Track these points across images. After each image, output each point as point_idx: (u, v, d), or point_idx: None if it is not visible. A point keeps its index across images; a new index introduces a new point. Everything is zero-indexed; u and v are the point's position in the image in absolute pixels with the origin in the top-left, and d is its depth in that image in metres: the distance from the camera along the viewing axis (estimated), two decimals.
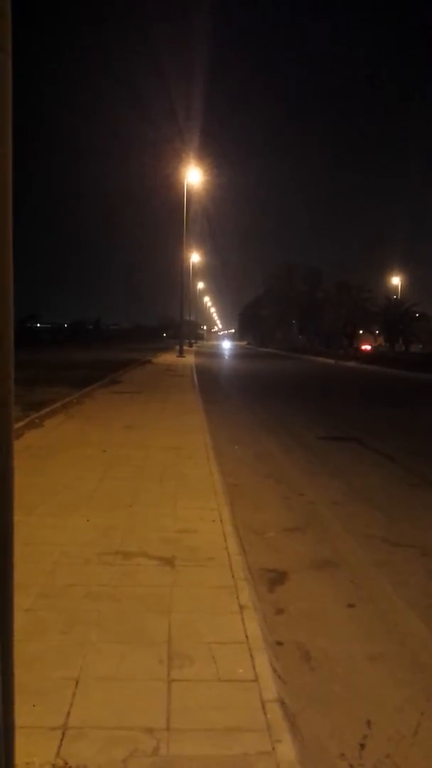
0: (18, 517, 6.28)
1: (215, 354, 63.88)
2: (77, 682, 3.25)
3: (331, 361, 50.25)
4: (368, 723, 3.22)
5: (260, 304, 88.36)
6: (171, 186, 45.16)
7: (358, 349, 63.40)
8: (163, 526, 5.93)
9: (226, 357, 58.19)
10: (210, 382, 24.69)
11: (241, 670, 3.41)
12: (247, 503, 7.29)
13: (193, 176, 44.65)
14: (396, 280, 74.02)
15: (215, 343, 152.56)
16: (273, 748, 2.78)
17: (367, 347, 68.34)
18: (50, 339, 60.06)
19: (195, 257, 76.99)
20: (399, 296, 71.40)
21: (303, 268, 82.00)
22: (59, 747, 2.74)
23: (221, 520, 6.14)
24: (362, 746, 3.03)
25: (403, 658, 3.91)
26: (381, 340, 76.49)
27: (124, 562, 4.97)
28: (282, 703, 3.16)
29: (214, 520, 6.13)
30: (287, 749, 2.79)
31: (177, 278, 53.07)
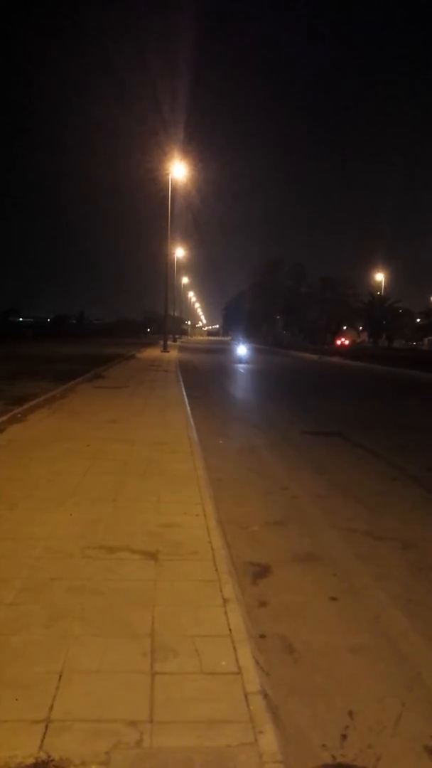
0: (0, 511, 6.25)
1: (200, 349, 63.84)
2: (60, 676, 3.25)
3: (314, 356, 50.44)
4: (350, 714, 3.25)
5: (245, 300, 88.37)
6: (156, 179, 44.97)
7: (334, 344, 63.65)
8: (146, 520, 5.93)
9: (210, 352, 58.18)
10: (194, 377, 24.68)
11: (224, 663, 3.43)
12: (231, 497, 7.31)
13: (178, 170, 44.50)
14: (380, 277, 74.42)
15: (201, 338, 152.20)
16: (255, 739, 2.80)
17: (345, 341, 68.65)
18: (33, 333, 59.63)
19: (180, 252, 76.86)
20: (382, 292, 71.81)
21: (288, 264, 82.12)
22: (42, 740, 2.73)
23: (205, 514, 6.15)
24: (344, 737, 3.06)
25: (385, 650, 3.96)
26: (365, 336, 76.95)
27: (107, 556, 4.96)
28: (265, 694, 3.19)
29: (197, 514, 6.14)
30: (269, 740, 2.81)
31: (161, 273, 52.94)
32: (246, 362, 37.53)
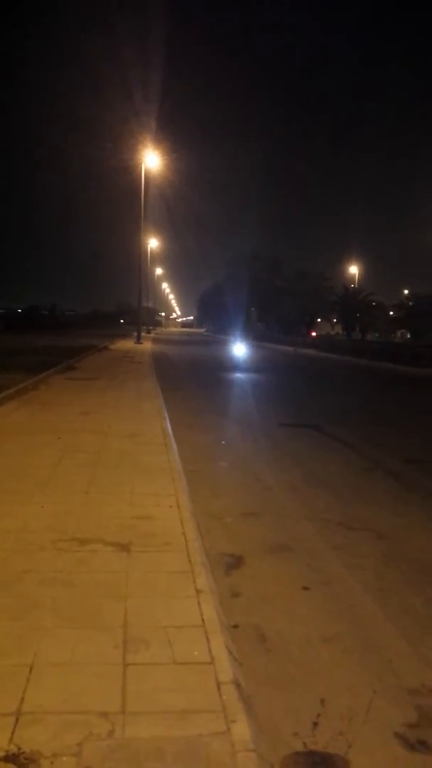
0: None
1: (174, 341, 63.64)
2: (31, 668, 3.21)
3: (290, 348, 50.61)
4: (322, 702, 3.27)
5: (220, 291, 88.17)
6: (129, 169, 44.55)
7: (309, 336, 63.96)
8: (119, 512, 5.89)
9: (185, 344, 58.03)
10: (168, 369, 24.60)
11: (196, 653, 3.42)
12: (205, 489, 7.30)
13: (151, 160, 44.13)
14: (354, 270, 74.91)
15: (175, 330, 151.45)
16: (228, 729, 2.80)
17: (313, 334, 69.06)
18: (3, 324, 58.83)
19: (153, 243, 76.40)
20: (356, 285, 72.32)
21: (264, 257, 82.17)
22: (12, 733, 2.70)
23: (178, 506, 6.13)
24: (316, 725, 3.08)
25: (357, 639, 3.99)
26: (339, 329, 77.44)
27: (79, 549, 4.92)
28: (237, 684, 3.19)
29: (171, 506, 6.12)
30: (242, 729, 2.81)
31: (135, 264, 52.59)
32: (220, 354, 37.41)
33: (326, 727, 3.07)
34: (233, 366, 28.60)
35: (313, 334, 67.77)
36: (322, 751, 2.89)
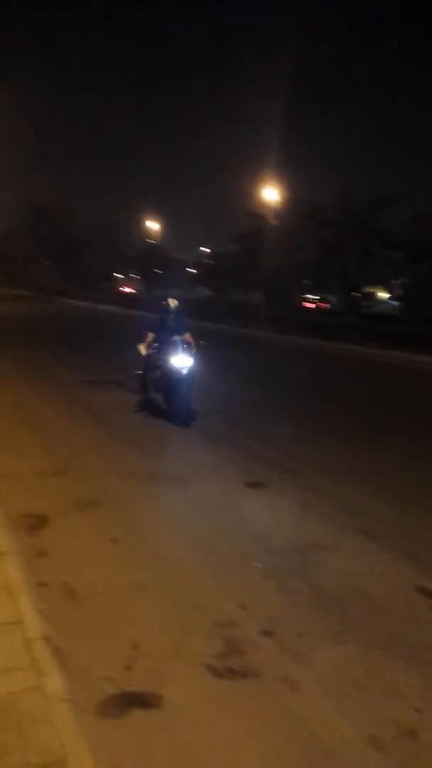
0: None
1: None
2: None
3: (85, 303, 49.55)
4: (134, 646, 3.37)
5: (7, 243, 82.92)
6: None
7: (114, 291, 63.33)
8: None
9: None
10: None
11: (2, 614, 3.33)
12: (4, 451, 6.99)
13: None
14: (154, 225, 74.87)
15: None
16: (39, 683, 2.79)
17: (125, 290, 68.61)
18: None
19: None
20: (157, 241, 72.50)
21: (56, 208, 78.68)
22: None
23: None
24: (129, 667, 3.18)
25: (166, 584, 4.14)
26: (140, 285, 77.31)
27: None
28: (48, 640, 3.17)
29: None
30: (54, 682, 2.82)
31: None
32: (5, 310, 34.97)
33: (139, 668, 3.18)
34: (24, 321, 27.33)
35: (126, 289, 67.07)
36: (136, 691, 2.99)
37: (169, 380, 8.74)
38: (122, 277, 76.60)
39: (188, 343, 8.92)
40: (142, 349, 9.35)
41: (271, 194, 39.23)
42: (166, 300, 9.36)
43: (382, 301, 43.58)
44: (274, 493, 6.18)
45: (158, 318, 9.38)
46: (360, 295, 35.49)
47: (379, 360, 20.44)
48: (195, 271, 66.10)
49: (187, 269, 69.64)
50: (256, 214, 41.27)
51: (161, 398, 9.21)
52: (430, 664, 3.37)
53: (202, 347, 9.43)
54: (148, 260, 67.27)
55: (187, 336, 9.06)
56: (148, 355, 9.28)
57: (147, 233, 71.40)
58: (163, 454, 7.29)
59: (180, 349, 8.73)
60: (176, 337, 8.89)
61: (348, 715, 2.92)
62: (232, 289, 49.98)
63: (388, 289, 41.70)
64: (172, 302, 9.26)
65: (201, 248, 69.62)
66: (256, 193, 40.72)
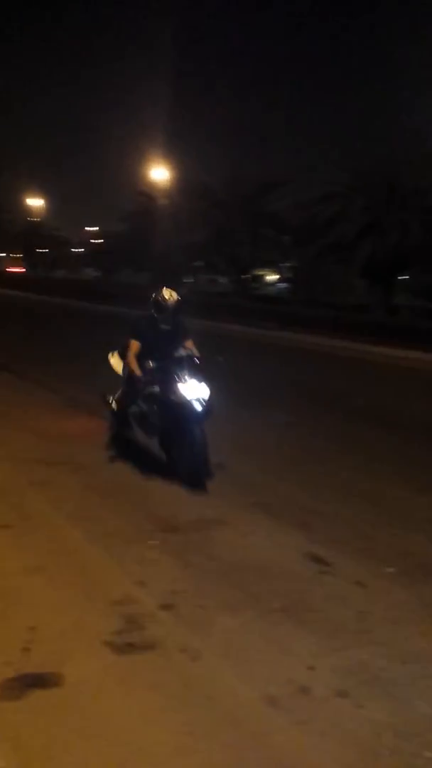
0: None
1: None
2: None
3: None
4: (32, 629, 3.36)
5: None
6: None
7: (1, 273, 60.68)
8: None
9: None
10: None
11: None
12: None
13: None
14: (37, 202, 71.95)
15: None
16: None
17: (14, 269, 65.73)
18: None
19: None
20: (40, 219, 69.85)
21: None
22: None
23: None
24: (27, 650, 3.17)
25: (63, 566, 4.14)
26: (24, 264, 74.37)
27: None
28: None
29: None
30: None
31: None
32: None
33: (38, 650, 3.18)
34: None
35: (15, 269, 64.18)
36: (35, 672, 3.00)
37: (175, 418, 5.80)
38: (4, 255, 73.31)
39: (199, 360, 6.04)
40: (118, 364, 6.62)
41: (160, 173, 38.99)
42: (158, 293, 6.11)
43: (269, 284, 44.73)
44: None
45: (146, 319, 6.23)
46: (249, 276, 36.16)
47: (268, 340, 20.94)
48: (82, 250, 64.42)
49: (72, 249, 67.79)
50: (144, 193, 40.87)
51: (154, 440, 6.31)
52: (321, 624, 3.60)
53: (219, 365, 6.48)
54: (31, 239, 64.54)
55: (189, 344, 6.35)
56: (132, 377, 6.09)
57: (29, 211, 68.39)
58: (57, 439, 7.14)
59: (189, 371, 5.80)
60: (182, 352, 6.19)
61: (245, 678, 3.07)
62: (121, 270, 49.28)
63: (278, 271, 42.82)
64: (169, 295, 6.06)
65: (87, 228, 67.91)
66: (144, 173, 40.35)
